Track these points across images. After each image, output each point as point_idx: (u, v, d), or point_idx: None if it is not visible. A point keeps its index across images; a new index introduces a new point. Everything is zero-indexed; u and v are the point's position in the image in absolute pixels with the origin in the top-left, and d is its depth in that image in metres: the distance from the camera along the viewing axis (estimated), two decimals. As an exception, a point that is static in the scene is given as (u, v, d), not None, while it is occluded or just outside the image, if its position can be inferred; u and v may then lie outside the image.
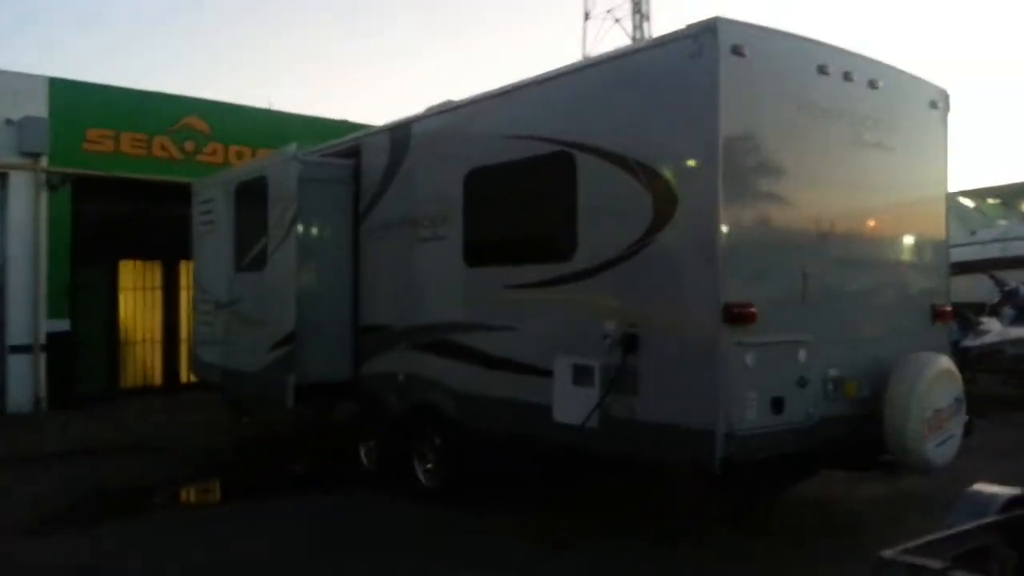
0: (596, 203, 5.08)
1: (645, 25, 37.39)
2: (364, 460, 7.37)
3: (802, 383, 4.67)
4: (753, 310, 4.40)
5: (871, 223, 5.26)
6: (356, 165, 7.51)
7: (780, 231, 4.74)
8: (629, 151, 4.83)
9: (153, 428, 9.99)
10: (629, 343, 4.76)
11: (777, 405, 4.54)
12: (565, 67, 5.44)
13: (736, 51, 4.47)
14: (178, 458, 8.39)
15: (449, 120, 6.51)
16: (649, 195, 4.71)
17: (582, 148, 5.15)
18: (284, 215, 7.28)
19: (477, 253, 6.11)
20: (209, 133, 13.21)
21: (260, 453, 8.81)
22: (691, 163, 4.53)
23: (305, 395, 7.15)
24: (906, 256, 5.62)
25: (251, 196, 8.19)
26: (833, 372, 4.84)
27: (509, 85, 5.86)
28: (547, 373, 5.35)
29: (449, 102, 6.63)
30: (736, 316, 4.35)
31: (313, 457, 8.57)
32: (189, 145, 12.95)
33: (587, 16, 38.94)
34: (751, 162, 4.55)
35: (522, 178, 5.72)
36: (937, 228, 5.84)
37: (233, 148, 13.38)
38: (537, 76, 5.62)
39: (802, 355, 4.68)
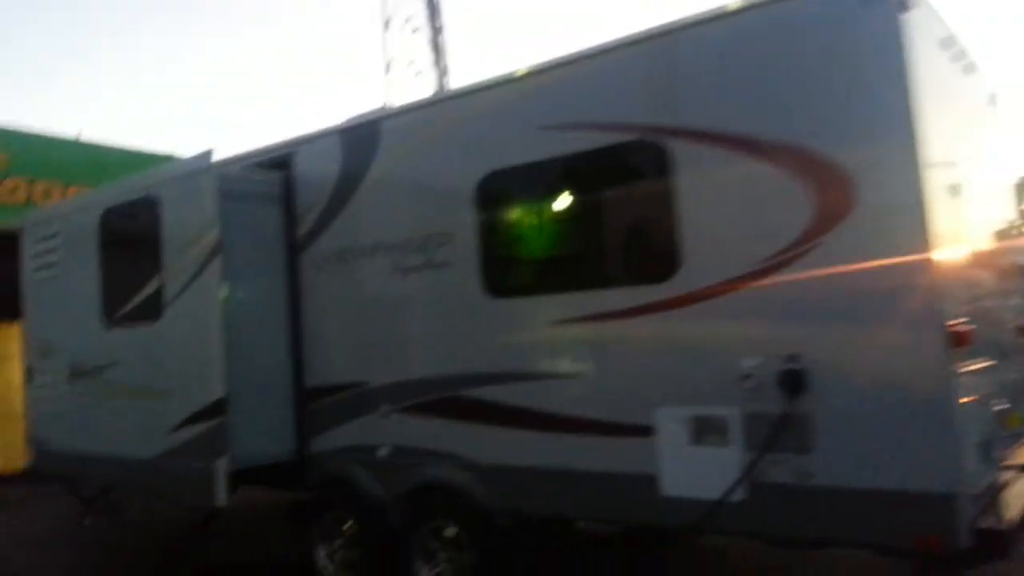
0: (708, 204, 3.89)
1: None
2: (324, 567, 5.54)
3: (995, 419, 3.77)
4: (971, 329, 3.43)
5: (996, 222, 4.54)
6: (285, 180, 5.78)
7: (965, 225, 3.84)
8: (765, 132, 3.70)
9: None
10: (791, 382, 3.60)
11: (985, 451, 3.59)
12: (641, 33, 4.21)
13: (902, 3, 3.54)
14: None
15: (443, 114, 5.02)
16: (806, 188, 3.61)
17: (679, 133, 3.95)
18: (193, 247, 5.34)
19: (504, 280, 4.68)
20: (8, 165, 10.50)
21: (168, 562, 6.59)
22: (876, 143, 3.49)
23: (237, 484, 5.25)
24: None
25: (128, 225, 6.12)
26: (999, 404, 3.99)
27: (543, 64, 4.53)
28: (641, 431, 4.05)
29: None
30: (959, 339, 3.35)
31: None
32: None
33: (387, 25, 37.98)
34: (938, 140, 3.61)
35: (573, 179, 4.41)
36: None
37: (40, 184, 10.75)
38: (591, 48, 4.35)
39: (995, 382, 3.78)
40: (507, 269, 4.75)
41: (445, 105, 4.99)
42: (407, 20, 35.81)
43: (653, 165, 4.02)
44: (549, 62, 4.49)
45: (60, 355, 6.68)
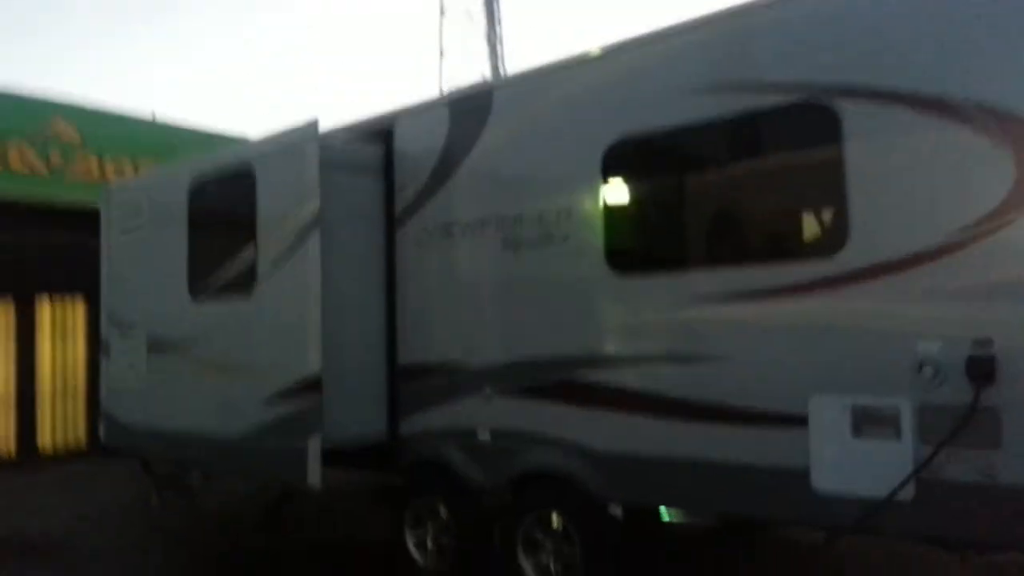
0: (885, 171, 3.52)
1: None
2: (416, 555, 5.26)
3: None
4: None
5: None
6: (386, 152, 5.53)
7: None
8: (959, 92, 3.34)
9: (37, 517, 7.18)
10: (981, 370, 3.23)
11: None
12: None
13: None
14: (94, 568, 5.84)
15: (566, 79, 4.70)
16: (1007, 154, 3.24)
17: (852, 93, 3.61)
18: (291, 219, 5.10)
19: (634, 256, 4.37)
20: (79, 142, 10.42)
21: (248, 549, 6.38)
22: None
23: (331, 464, 4.99)
24: None
25: (220, 196, 5.91)
26: None
27: (689, 21, 4.20)
28: (792, 421, 3.70)
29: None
30: None
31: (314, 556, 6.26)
32: (55, 156, 10.13)
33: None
34: None
35: (719, 145, 4.08)
36: None
37: (110, 162, 10.67)
38: (743, 4, 4.03)
39: None
40: (637, 244, 4.42)
41: (568, 70, 4.68)
42: (465, 11, 35.84)
43: (820, 128, 3.67)
44: (697, 19, 4.16)
45: (139, 329, 6.50)
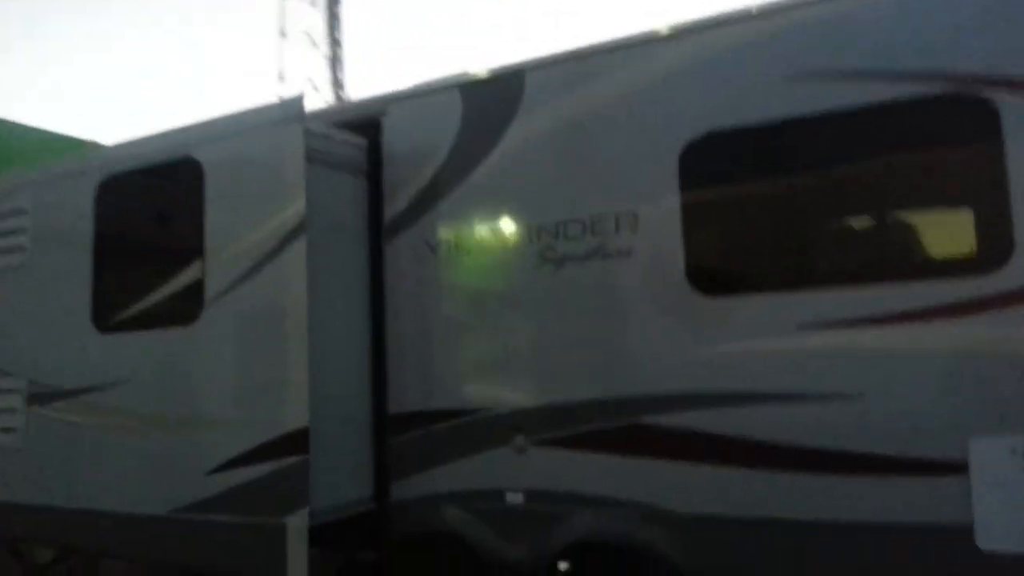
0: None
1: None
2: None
3: None
4: None
5: None
6: (371, 147, 4.52)
7: None
8: None
9: None
10: None
11: None
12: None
13: None
14: None
15: (626, 65, 3.89)
16: None
17: (1014, 84, 3.12)
18: (260, 225, 3.97)
19: (726, 272, 3.64)
20: None
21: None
22: None
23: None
24: None
25: (144, 198, 4.63)
26: None
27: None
28: (947, 468, 3.09)
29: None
30: None
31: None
32: None
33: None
34: None
35: (840, 141, 3.44)
36: None
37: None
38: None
39: None
40: (730, 259, 3.71)
41: (630, 53, 3.91)
42: (305, 33, 34.34)
43: (972, 123, 3.16)
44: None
45: (12, 376, 4.95)
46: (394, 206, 4.40)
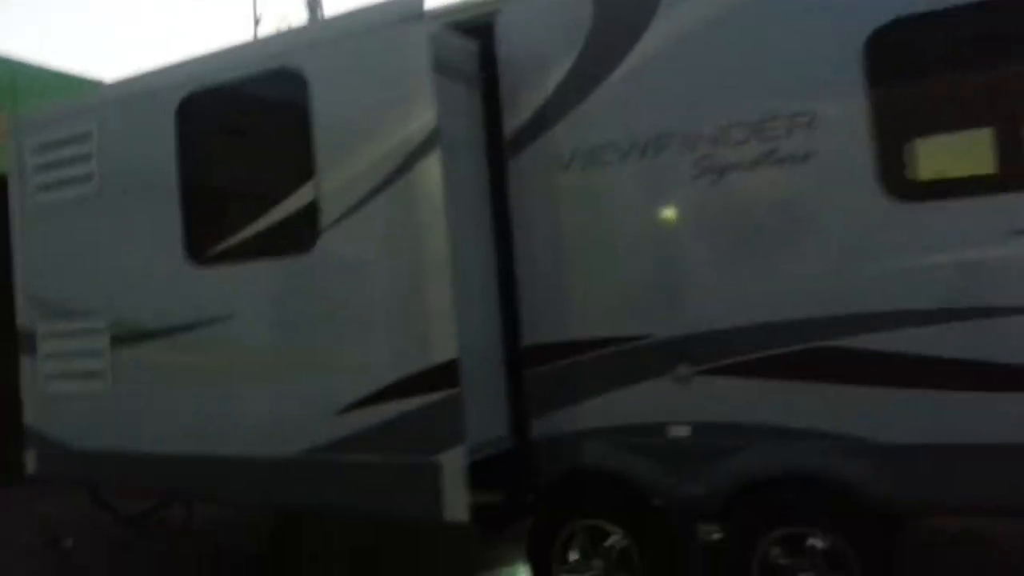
0: None
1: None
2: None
3: None
4: None
5: None
6: (483, 53, 4.05)
7: None
8: None
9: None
10: None
11: None
12: None
13: None
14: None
15: None
16: None
17: None
18: (383, 138, 3.54)
19: (919, 176, 3.27)
20: None
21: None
22: None
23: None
24: None
25: (238, 114, 4.16)
26: None
27: None
28: None
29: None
30: None
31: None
32: None
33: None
34: None
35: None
36: None
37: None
38: None
39: None
40: (926, 159, 3.33)
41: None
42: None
43: None
44: None
45: (93, 316, 4.54)
46: (516, 118, 3.96)
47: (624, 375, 3.73)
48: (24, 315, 4.88)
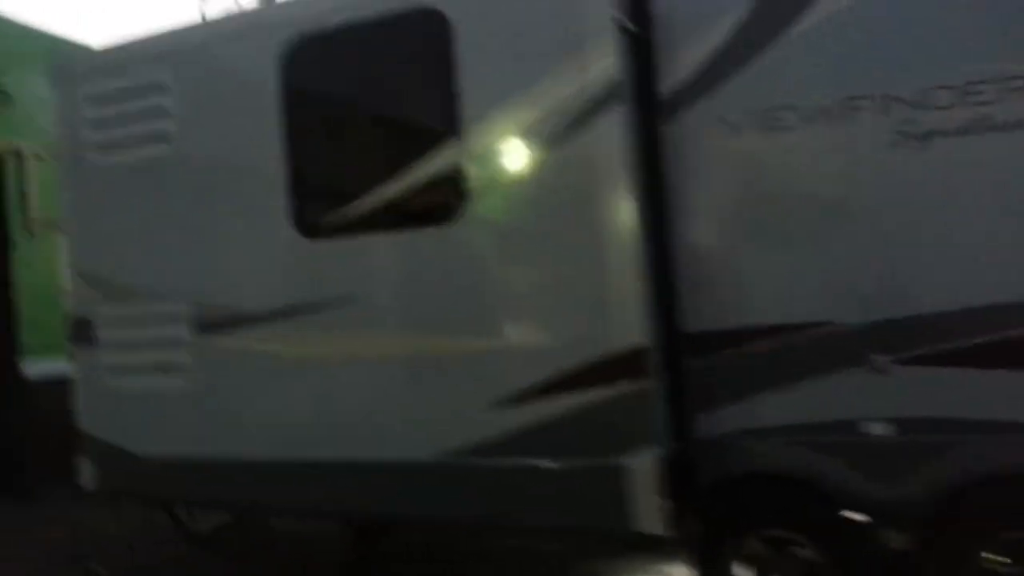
0: None
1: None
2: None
3: None
4: None
5: None
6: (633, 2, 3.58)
7: None
8: None
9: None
10: None
11: None
12: None
13: None
14: None
15: None
16: None
17: None
18: (548, 93, 3.07)
19: None
20: None
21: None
22: None
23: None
24: None
25: (359, 65, 3.59)
26: None
27: None
28: None
29: None
30: None
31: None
32: None
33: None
34: None
35: None
36: None
37: None
38: None
39: None
40: None
41: None
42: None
43: None
44: None
45: (168, 296, 3.93)
46: (674, 76, 3.50)
47: (807, 366, 3.28)
48: (76, 298, 4.24)
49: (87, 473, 4.17)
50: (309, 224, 3.62)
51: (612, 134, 3.01)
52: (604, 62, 3.02)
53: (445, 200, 3.32)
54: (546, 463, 3.11)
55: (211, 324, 3.83)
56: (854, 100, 3.23)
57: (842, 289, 3.28)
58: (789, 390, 3.31)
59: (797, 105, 3.30)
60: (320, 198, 3.63)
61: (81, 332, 4.21)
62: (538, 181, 3.14)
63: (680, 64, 3.45)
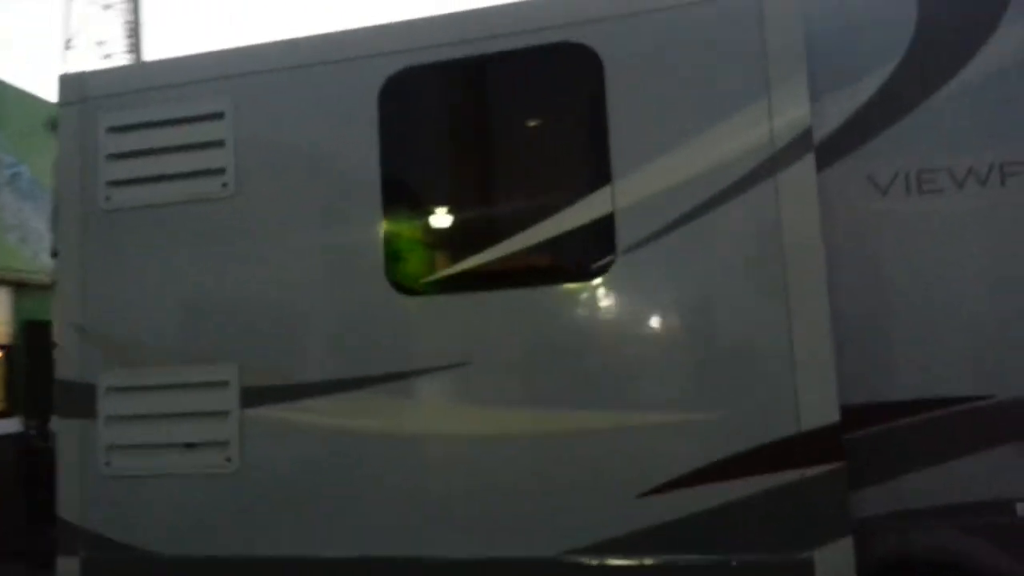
0: None
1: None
2: None
3: None
4: None
5: None
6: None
7: None
8: None
9: None
10: None
11: None
12: None
13: None
14: None
15: None
16: None
17: None
18: (723, 137, 2.80)
19: None
20: None
21: None
22: None
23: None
24: None
25: (489, 98, 3.20)
26: None
27: None
28: None
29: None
30: None
31: None
32: None
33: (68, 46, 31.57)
34: None
35: None
36: None
37: None
38: None
39: None
40: None
41: None
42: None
43: None
44: None
45: (209, 360, 3.20)
46: (819, 128, 3.30)
47: (962, 442, 3.10)
48: (70, 360, 3.42)
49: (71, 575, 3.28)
50: (409, 278, 3.09)
51: (802, 184, 2.76)
52: (796, 106, 2.79)
53: (588, 253, 2.93)
54: (706, 558, 2.68)
55: (267, 393, 3.15)
56: (1012, 164, 3.14)
57: (1002, 361, 3.12)
58: (942, 467, 3.08)
59: (951, 167, 3.19)
60: (426, 249, 3.12)
61: (75, 402, 3.38)
62: (708, 234, 2.81)
63: (825, 114, 3.26)
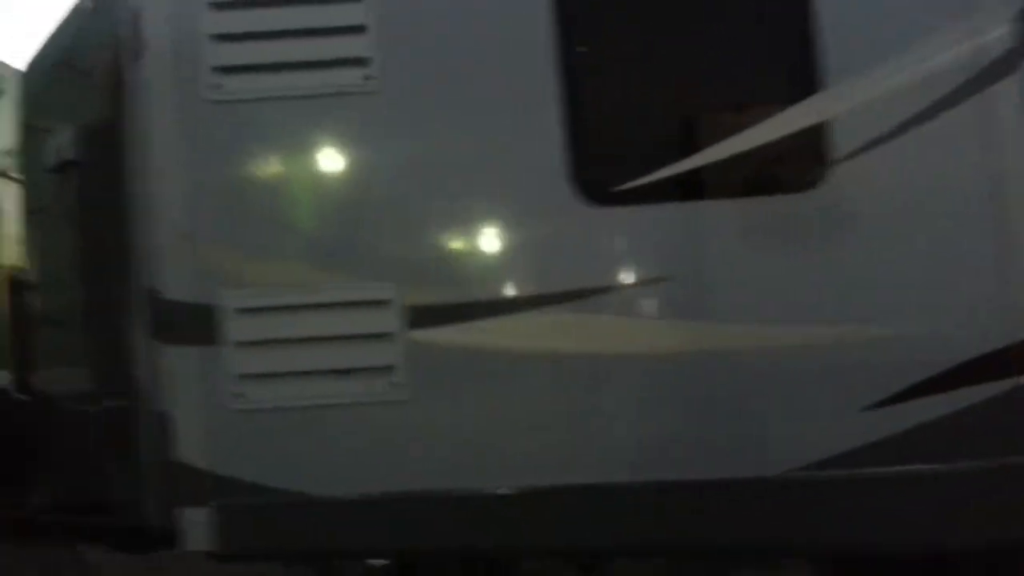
0: None
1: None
2: None
3: None
4: None
5: None
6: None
7: None
8: None
9: None
10: None
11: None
12: None
13: None
14: None
15: None
16: None
17: None
18: (944, 44, 2.71)
19: None
20: None
21: None
22: None
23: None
24: None
25: None
26: None
27: None
28: None
29: None
30: None
31: None
32: None
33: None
34: None
35: None
36: None
37: None
38: None
39: None
40: None
41: None
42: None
43: None
44: None
45: (364, 278, 2.81)
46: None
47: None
48: (177, 279, 2.93)
49: (203, 527, 2.88)
50: (596, 187, 2.83)
51: (1010, 101, 2.72)
52: (1002, 26, 2.73)
53: (800, 163, 2.79)
54: (942, 469, 2.70)
55: (437, 314, 2.84)
56: None
57: None
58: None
59: None
60: (615, 154, 2.86)
61: (189, 327, 2.91)
62: (927, 144, 2.74)
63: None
